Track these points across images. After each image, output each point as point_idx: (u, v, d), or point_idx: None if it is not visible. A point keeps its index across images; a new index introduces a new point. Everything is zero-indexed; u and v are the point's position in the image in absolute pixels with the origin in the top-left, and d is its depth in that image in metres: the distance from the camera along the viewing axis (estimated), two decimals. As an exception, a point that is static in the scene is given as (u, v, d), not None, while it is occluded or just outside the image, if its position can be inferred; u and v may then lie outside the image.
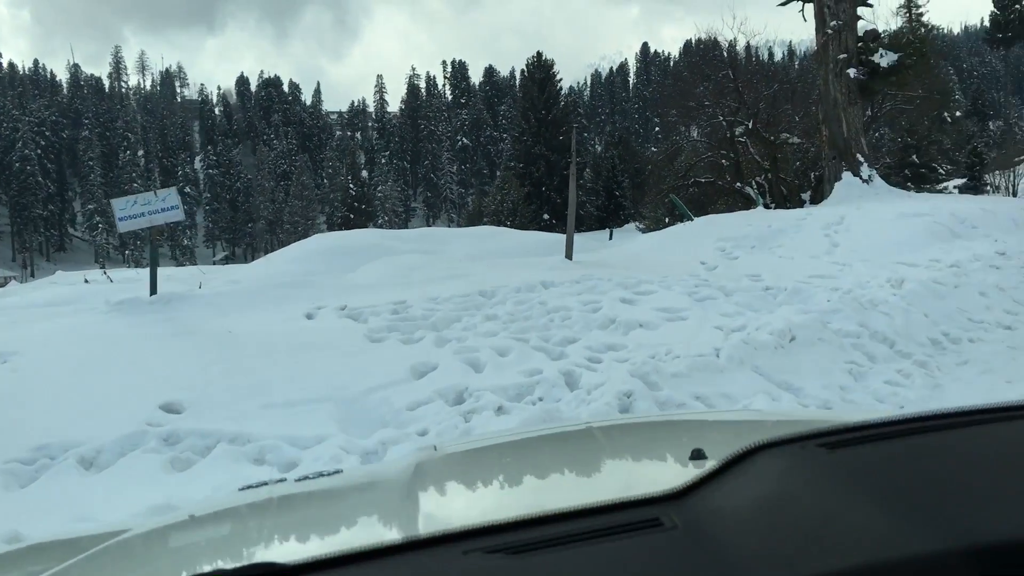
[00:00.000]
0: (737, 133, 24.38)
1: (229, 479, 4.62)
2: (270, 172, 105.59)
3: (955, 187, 59.25)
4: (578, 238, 15.75)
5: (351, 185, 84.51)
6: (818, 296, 9.02)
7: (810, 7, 20.83)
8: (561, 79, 76.42)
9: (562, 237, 14.79)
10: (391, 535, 1.18)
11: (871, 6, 20.57)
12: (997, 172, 66.78)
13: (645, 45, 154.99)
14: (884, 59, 20.29)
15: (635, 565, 0.91)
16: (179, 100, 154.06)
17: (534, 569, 0.92)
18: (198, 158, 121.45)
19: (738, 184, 24.15)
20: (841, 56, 20.05)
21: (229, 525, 1.61)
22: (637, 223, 58.80)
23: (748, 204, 22.94)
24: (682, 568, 0.90)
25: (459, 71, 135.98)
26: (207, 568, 1.07)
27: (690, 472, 1.14)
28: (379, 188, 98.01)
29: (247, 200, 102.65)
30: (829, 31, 20.08)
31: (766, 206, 22.64)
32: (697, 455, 1.35)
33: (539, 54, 74.19)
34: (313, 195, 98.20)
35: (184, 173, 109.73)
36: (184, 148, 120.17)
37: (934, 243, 12.17)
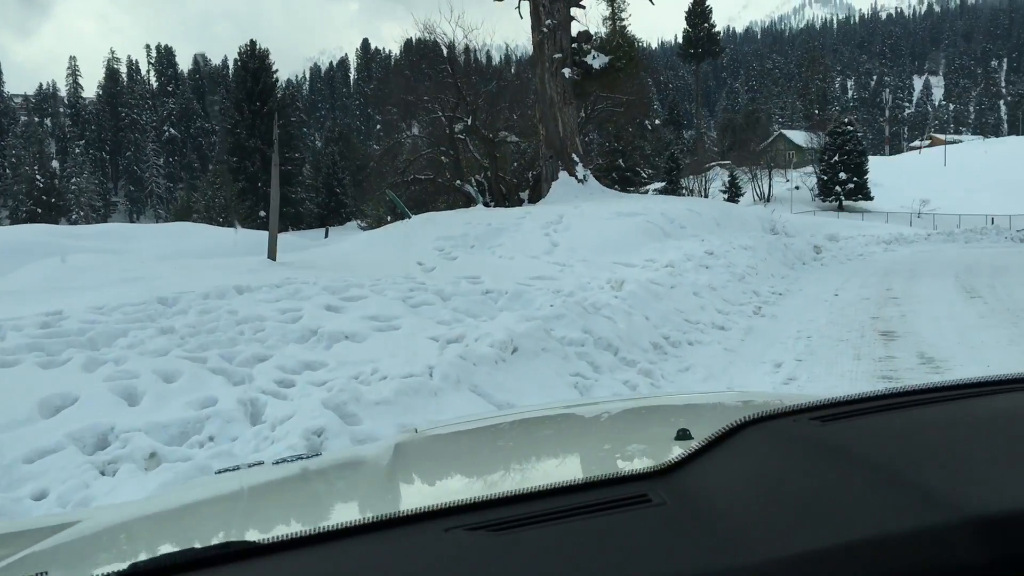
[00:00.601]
0: (457, 130, 23.96)
1: None
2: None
3: (655, 190, 64.03)
4: (291, 237, 14.37)
5: (38, 176, 75.62)
6: (540, 299, 8.44)
7: (526, 5, 20.81)
8: (277, 70, 73.25)
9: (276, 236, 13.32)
10: (371, 514, 1.00)
11: (583, 7, 20.91)
12: (691, 176, 73.11)
13: (366, 41, 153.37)
14: (596, 61, 20.70)
15: (623, 540, 0.88)
16: None
17: (518, 545, 0.89)
18: None
19: (458, 182, 23.75)
20: (556, 55, 20.17)
21: (204, 507, 1.53)
22: (359, 221, 57.60)
23: (469, 202, 22.58)
24: (672, 543, 0.86)
25: (165, 57, 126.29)
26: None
27: (677, 450, 1.11)
28: (73, 180, 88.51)
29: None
30: (544, 30, 20.12)
31: (486, 204, 22.40)
32: (682, 435, 1.32)
33: (253, 43, 70.53)
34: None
35: None
36: None
37: (648, 243, 12.20)
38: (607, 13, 61.19)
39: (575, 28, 21.16)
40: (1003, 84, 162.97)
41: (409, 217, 16.27)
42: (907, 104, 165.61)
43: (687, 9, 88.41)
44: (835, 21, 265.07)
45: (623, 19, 70.62)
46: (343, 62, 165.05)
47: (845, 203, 66.26)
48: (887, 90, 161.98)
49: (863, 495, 0.86)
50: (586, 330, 7.13)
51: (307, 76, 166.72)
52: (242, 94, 69.27)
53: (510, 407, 5.31)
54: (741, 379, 6.79)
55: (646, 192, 56.49)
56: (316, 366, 6.11)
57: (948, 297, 11.41)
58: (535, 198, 21.58)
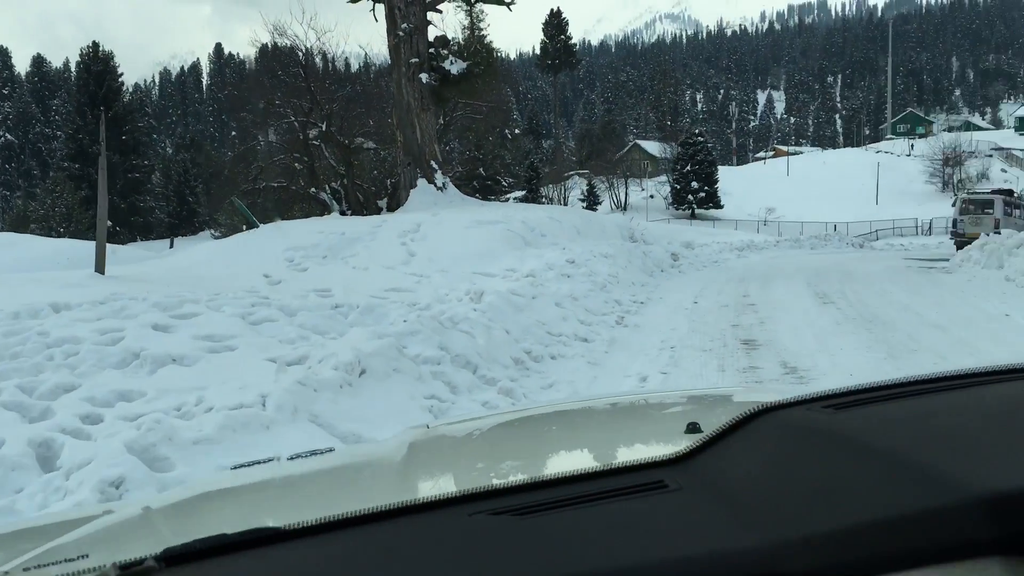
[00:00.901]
0: (311, 136, 23.00)
1: None
2: None
3: (516, 198, 64.39)
4: (132, 248, 13.22)
5: None
6: (394, 313, 7.88)
7: (381, 7, 20.17)
8: (123, 74, 69.57)
9: (115, 246, 12.18)
10: (393, 501, 1.02)
11: (440, 12, 20.46)
12: (551, 185, 74.00)
13: (219, 45, 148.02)
14: (454, 66, 20.28)
15: (642, 524, 0.90)
16: None
17: (540, 530, 0.91)
18: None
19: (313, 189, 22.79)
20: (413, 60, 19.62)
21: (227, 498, 1.56)
22: (213, 231, 55.20)
23: (325, 210, 21.69)
24: (689, 526, 0.88)
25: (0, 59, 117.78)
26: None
27: (689, 441, 1.12)
28: None
29: None
30: (400, 33, 19.54)
31: (342, 212, 21.57)
32: (692, 428, 1.34)
33: (95, 44, 66.63)
34: None
35: None
36: None
37: (509, 252, 11.83)
38: (466, 22, 60.91)
39: (432, 33, 20.70)
40: (838, 99, 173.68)
41: (256, 226, 15.33)
42: (752, 117, 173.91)
43: (544, 21, 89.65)
44: (684, 37, 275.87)
45: (482, 28, 70.71)
46: (195, 67, 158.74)
47: (697, 211, 68.60)
48: (733, 103, 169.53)
49: (874, 478, 0.87)
50: (443, 347, 6.63)
51: (156, 81, 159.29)
52: (84, 98, 65.19)
53: (356, 438, 4.75)
54: (607, 393, 6.45)
55: (507, 200, 56.71)
56: (133, 396, 5.34)
57: (803, 303, 11.56)
58: (394, 206, 20.93)
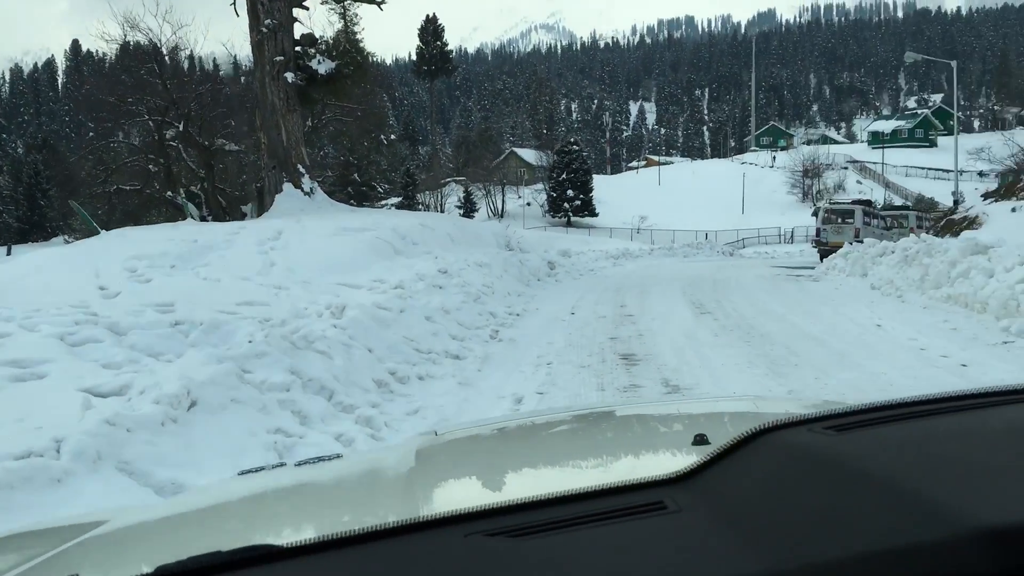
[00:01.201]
0: (167, 136, 21.53)
1: None
2: None
3: (392, 205, 63.49)
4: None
5: None
6: (243, 331, 7.03)
7: (243, 1, 19.03)
8: (-34, 69, 64.66)
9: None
10: (392, 518, 1.05)
11: (307, 8, 19.47)
12: (427, 191, 73.32)
13: (76, 42, 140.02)
14: (322, 66, 19.32)
15: (638, 548, 0.89)
16: None
17: (535, 552, 0.90)
18: None
19: (169, 193, 21.34)
20: (278, 58, 18.57)
21: (228, 509, 1.56)
22: (66, 236, 51.96)
23: (181, 215, 20.31)
24: (686, 550, 0.88)
25: None
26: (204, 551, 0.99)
27: (693, 457, 1.11)
28: None
29: None
30: (264, 29, 18.46)
31: (203, 218, 20.26)
32: (700, 440, 1.33)
33: (-67, 35, 61.72)
34: None
35: None
36: None
37: (378, 261, 11.09)
38: (338, 23, 59.87)
39: (299, 31, 19.67)
40: (706, 112, 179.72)
41: (98, 232, 14.01)
42: (625, 127, 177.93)
43: (420, 26, 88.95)
44: (559, 47, 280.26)
45: (355, 31, 69.49)
46: (50, 63, 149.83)
47: (573, 219, 69.21)
48: (607, 113, 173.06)
49: (876, 506, 0.87)
50: (294, 370, 5.88)
51: (6, 78, 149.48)
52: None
53: (176, 488, 3.97)
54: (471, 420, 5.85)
55: (383, 207, 55.69)
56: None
57: (680, 313, 11.31)
58: (260, 212, 19.78)
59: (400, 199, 67.25)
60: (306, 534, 0.98)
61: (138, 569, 0.91)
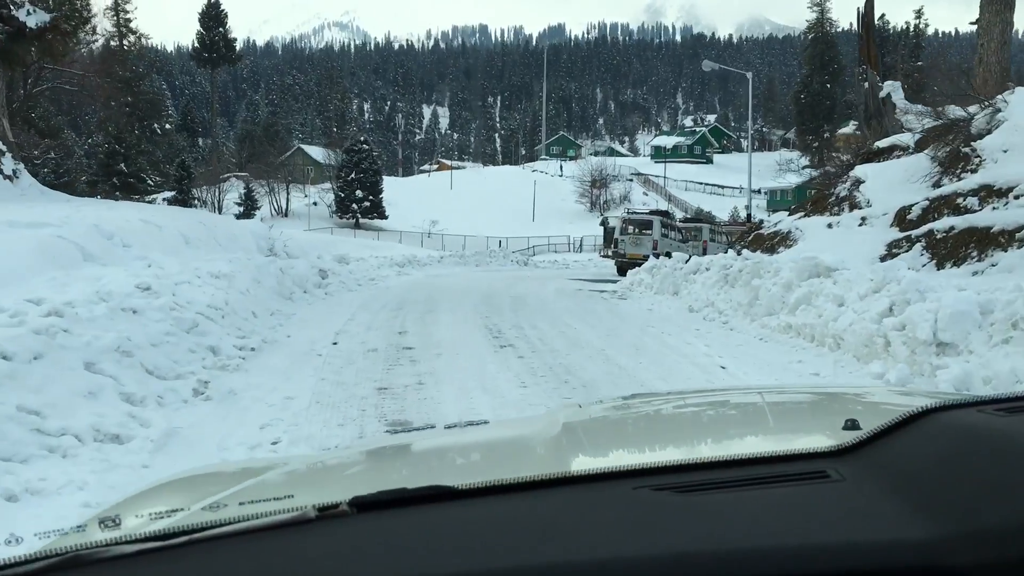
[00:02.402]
0: None
1: None
2: None
3: (164, 199, 57.66)
4: None
5: None
6: None
7: (-81, -76, 14.67)
8: None
9: None
10: (554, 471, 1.07)
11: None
12: (204, 187, 67.45)
13: None
14: (33, 17, 15.28)
15: (804, 509, 0.90)
16: None
17: (701, 506, 0.93)
18: None
19: None
20: (-34, 1, 14.43)
21: (394, 459, 1.65)
22: None
23: None
24: (852, 516, 0.87)
25: None
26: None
27: (851, 436, 1.11)
28: None
29: None
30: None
31: None
32: (851, 426, 1.28)
33: None
34: None
35: None
36: None
37: (50, 270, 7.74)
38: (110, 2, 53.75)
39: (1, -29, 15.50)
40: (498, 119, 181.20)
41: None
42: (418, 130, 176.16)
43: (201, 11, 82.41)
44: (352, 46, 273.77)
45: (127, 11, 62.76)
46: None
47: (362, 221, 65.77)
48: (400, 115, 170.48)
49: None
50: None
51: None
52: None
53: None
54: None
55: (153, 201, 50.09)
56: None
57: (475, 345, 8.80)
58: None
59: (173, 193, 61.31)
60: (477, 479, 1.00)
61: (338, 497, 0.96)
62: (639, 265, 22.00)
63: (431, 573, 0.84)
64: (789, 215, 18.23)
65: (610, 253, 27.06)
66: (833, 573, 0.78)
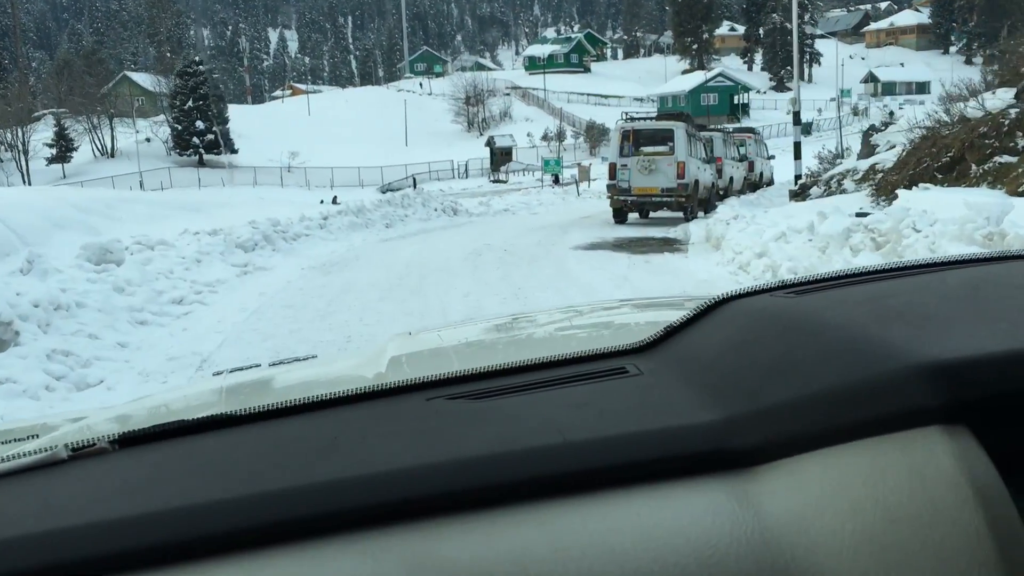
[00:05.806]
0: None
1: None
2: None
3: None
4: None
5: None
6: None
7: None
8: None
9: None
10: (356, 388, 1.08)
11: None
12: (7, 129, 56.19)
13: None
14: None
15: (597, 404, 0.91)
16: None
17: (495, 410, 0.92)
18: None
19: None
20: None
21: (199, 397, 1.58)
22: None
23: None
24: (645, 407, 0.89)
25: None
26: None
27: (651, 332, 1.13)
28: None
29: None
30: None
31: None
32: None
33: None
34: None
35: None
36: None
37: None
38: None
39: None
40: (351, 40, 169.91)
41: None
42: (265, 55, 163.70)
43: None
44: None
45: None
46: None
47: (207, 157, 56.18)
48: (244, 39, 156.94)
49: (829, 351, 0.88)
50: None
51: None
52: None
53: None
54: None
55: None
56: None
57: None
58: None
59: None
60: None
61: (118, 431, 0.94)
62: (653, 207, 15.42)
63: (189, 504, 0.77)
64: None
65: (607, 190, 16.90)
66: (623, 464, 0.78)
